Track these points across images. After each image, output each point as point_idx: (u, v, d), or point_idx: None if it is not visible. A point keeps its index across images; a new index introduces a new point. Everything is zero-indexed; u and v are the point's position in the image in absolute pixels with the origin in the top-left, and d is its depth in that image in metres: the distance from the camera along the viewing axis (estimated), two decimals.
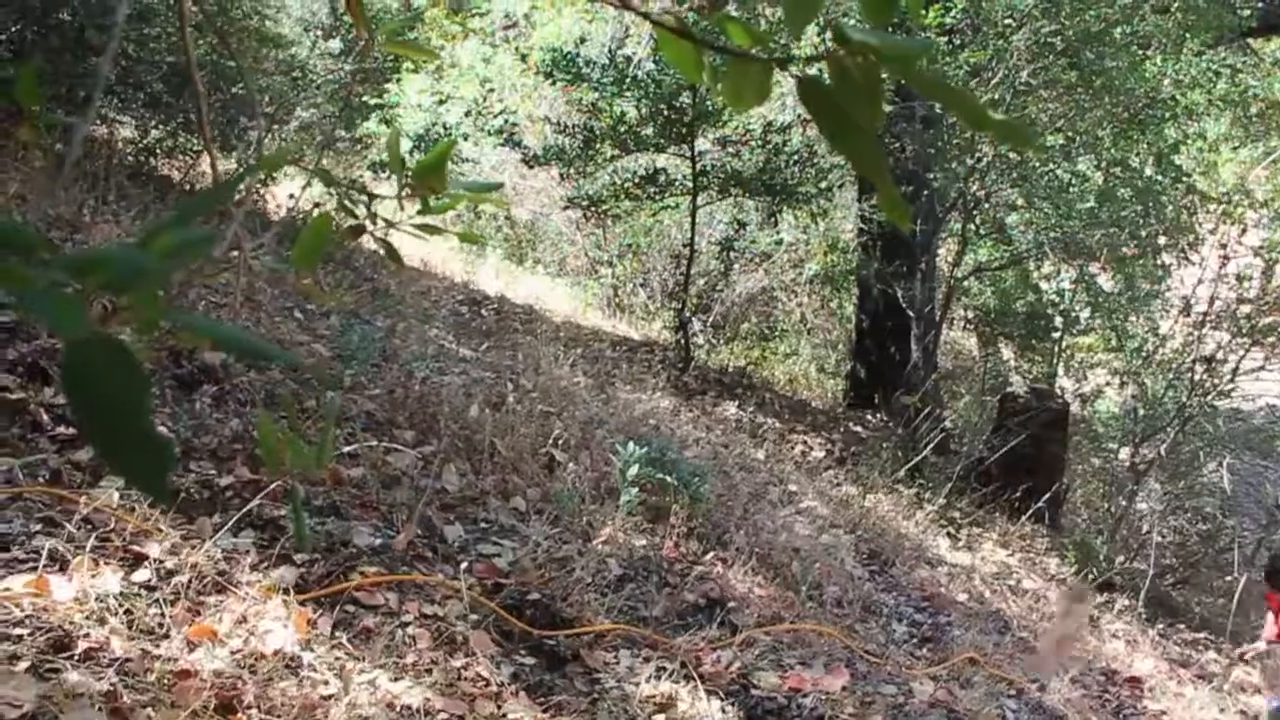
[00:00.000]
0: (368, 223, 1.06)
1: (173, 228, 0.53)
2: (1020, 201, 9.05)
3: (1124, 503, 8.40)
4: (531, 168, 9.36)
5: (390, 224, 1.05)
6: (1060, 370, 10.05)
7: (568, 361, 6.66)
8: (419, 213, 1.04)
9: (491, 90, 12.46)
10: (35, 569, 2.53)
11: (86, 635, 2.37)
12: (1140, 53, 7.99)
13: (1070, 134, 7.99)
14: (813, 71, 0.63)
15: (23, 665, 2.19)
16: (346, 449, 3.95)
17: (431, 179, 1.00)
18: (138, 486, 0.53)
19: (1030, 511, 7.62)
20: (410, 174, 1.00)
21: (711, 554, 4.47)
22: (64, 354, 0.50)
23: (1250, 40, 10.54)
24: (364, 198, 1.07)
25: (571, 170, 9.05)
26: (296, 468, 0.96)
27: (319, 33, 11.24)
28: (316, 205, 5.97)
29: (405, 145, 10.18)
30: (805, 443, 7.97)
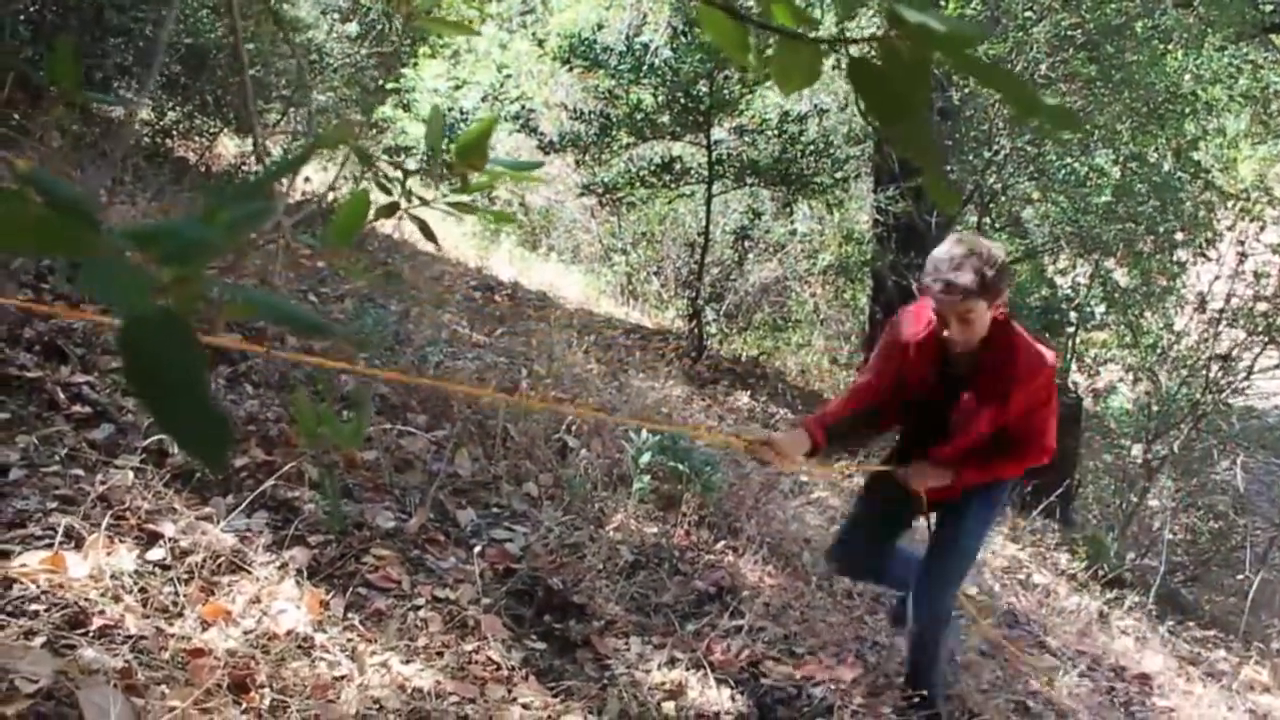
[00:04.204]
0: (402, 201, 1.06)
1: (233, 203, 0.53)
2: (1036, 195, 9.01)
3: (1135, 499, 8.37)
4: (547, 154, 9.35)
5: (425, 202, 1.05)
6: (1073, 365, 10.01)
7: (581, 348, 6.66)
8: (454, 191, 1.04)
9: (508, 76, 12.44)
10: (51, 546, 2.54)
11: (102, 612, 2.39)
12: (1161, 47, 7.93)
13: (1089, 128, 7.94)
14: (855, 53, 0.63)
15: (39, 641, 2.20)
16: None
17: (472, 156, 1.00)
18: (198, 459, 0.53)
19: (1041, 506, 7.60)
20: (452, 151, 1.00)
21: (722, 543, 4.48)
22: (123, 329, 0.49)
23: (1272, 36, 10.45)
24: (399, 175, 1.07)
25: (587, 157, 9.03)
26: (335, 443, 0.97)
27: (336, 16, 11.23)
28: (332, 188, 5.98)
29: (422, 130, 10.15)
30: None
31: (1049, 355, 3.12)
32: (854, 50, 0.64)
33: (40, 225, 0.48)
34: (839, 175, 8.85)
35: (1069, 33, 7.53)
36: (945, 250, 2.96)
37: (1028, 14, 7.61)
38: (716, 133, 8.46)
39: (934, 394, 3.23)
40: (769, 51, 0.72)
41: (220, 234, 0.52)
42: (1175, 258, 8.84)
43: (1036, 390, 3.13)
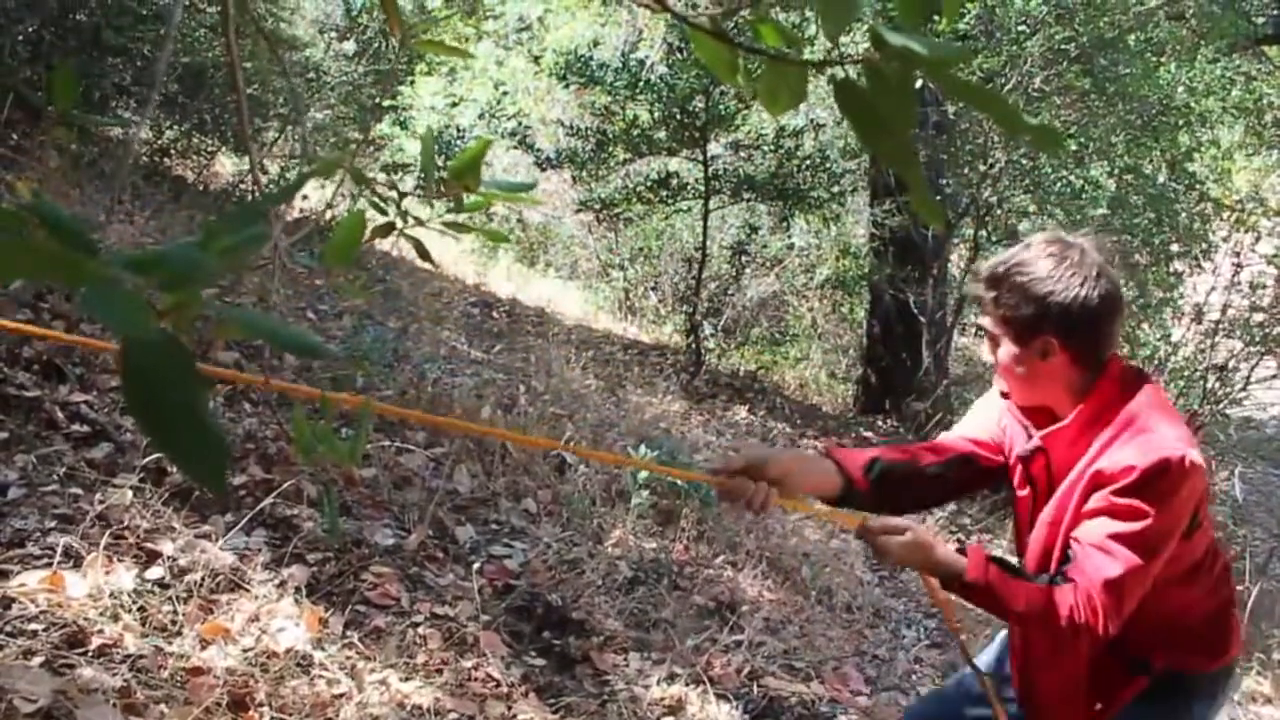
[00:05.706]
0: (398, 221, 1.07)
1: (231, 229, 0.54)
2: (1033, 208, 9.03)
3: None
4: (544, 170, 9.37)
5: (420, 222, 1.06)
6: None
7: (579, 364, 6.66)
8: (448, 211, 1.05)
9: (505, 93, 12.48)
10: (50, 565, 2.54)
11: (100, 631, 2.39)
12: (1154, 59, 7.97)
13: (1083, 140, 7.97)
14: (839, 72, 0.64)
15: (38, 660, 2.20)
16: None
17: (466, 177, 1.01)
18: (197, 479, 0.54)
19: None
20: (445, 172, 1.01)
21: (721, 558, 4.47)
22: (123, 353, 0.50)
23: (1265, 48, 10.51)
24: (394, 195, 1.08)
25: (584, 173, 9.05)
26: (332, 460, 0.98)
27: (333, 34, 11.27)
28: (329, 206, 6.00)
29: (419, 147, 10.18)
30: (816, 448, 7.96)
31: (1170, 447, 1.80)
32: (838, 72, 0.65)
33: (39, 254, 0.49)
34: (835, 189, 8.88)
35: (1062, 46, 7.56)
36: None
37: (1021, 28, 7.64)
38: (713, 148, 8.49)
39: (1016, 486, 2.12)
40: (759, 72, 0.73)
41: (217, 259, 0.52)
42: (1171, 269, 8.87)
43: (1107, 489, 1.82)
